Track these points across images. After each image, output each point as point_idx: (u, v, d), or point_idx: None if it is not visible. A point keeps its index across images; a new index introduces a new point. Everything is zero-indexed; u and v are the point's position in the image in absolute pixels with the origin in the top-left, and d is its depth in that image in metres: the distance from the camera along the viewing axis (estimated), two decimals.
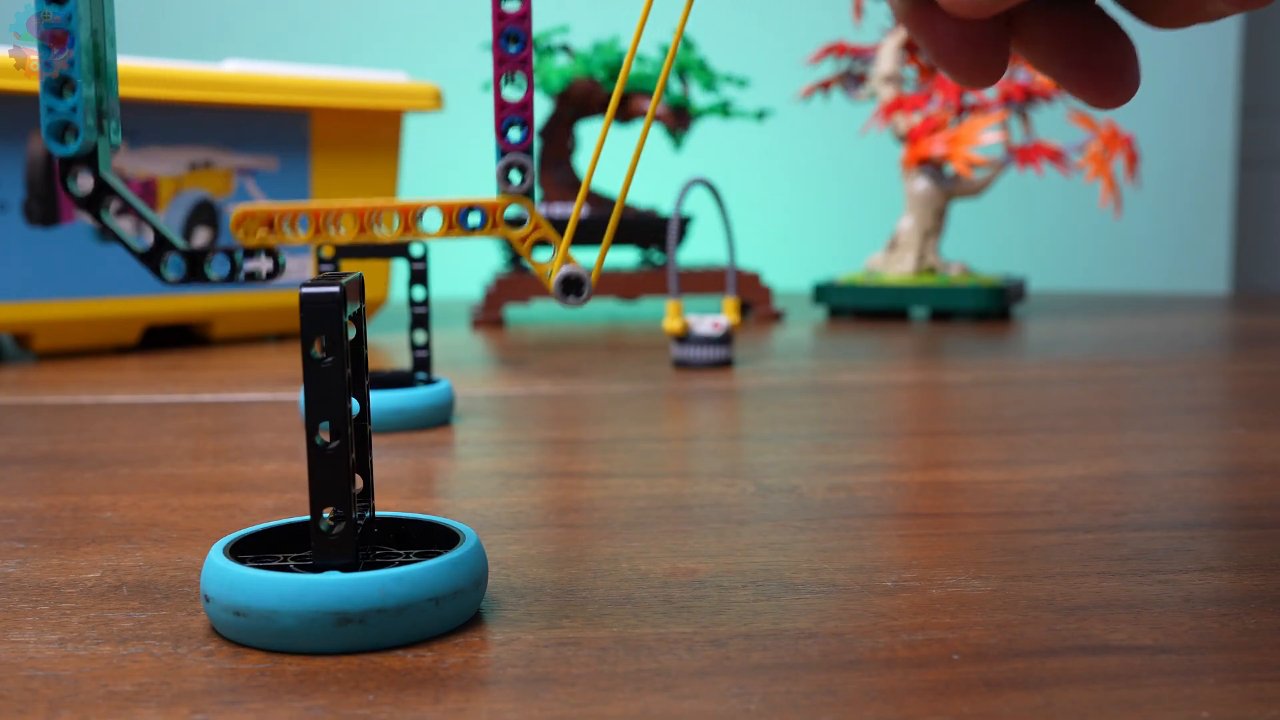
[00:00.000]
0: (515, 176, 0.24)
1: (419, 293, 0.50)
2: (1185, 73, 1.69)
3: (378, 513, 0.27)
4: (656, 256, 1.00)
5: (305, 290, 0.23)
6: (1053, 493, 0.36)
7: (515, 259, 0.99)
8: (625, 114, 0.99)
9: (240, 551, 0.26)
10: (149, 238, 0.25)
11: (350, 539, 0.24)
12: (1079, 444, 0.44)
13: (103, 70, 0.24)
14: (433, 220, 0.25)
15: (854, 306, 0.97)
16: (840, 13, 1.58)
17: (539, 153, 0.98)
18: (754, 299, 0.98)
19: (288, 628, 0.23)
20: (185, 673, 0.22)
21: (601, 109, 0.98)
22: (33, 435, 0.48)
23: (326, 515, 0.24)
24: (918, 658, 0.23)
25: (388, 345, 0.80)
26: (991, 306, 0.92)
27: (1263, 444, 0.43)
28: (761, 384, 0.60)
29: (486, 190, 1.55)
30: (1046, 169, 1.73)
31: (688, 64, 0.98)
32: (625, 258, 1.52)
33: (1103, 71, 0.24)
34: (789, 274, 1.63)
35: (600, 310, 1.09)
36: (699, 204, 1.63)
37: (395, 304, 1.25)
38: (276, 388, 0.61)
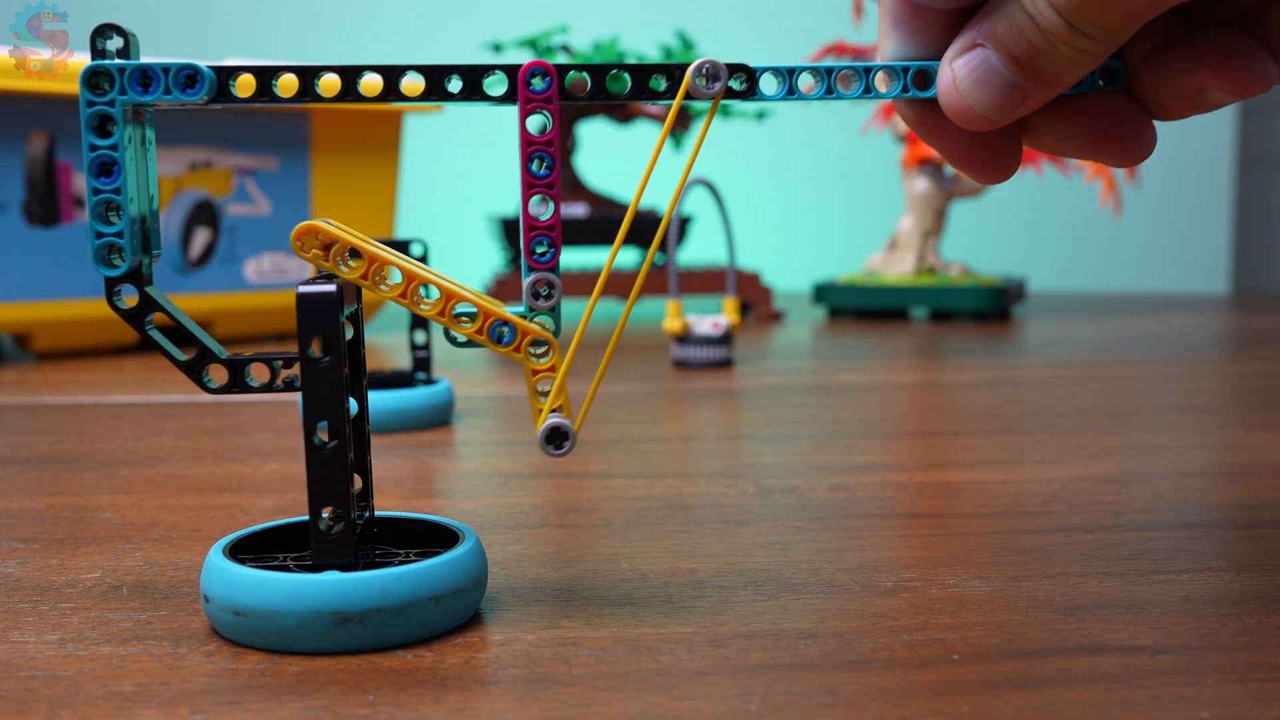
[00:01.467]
0: (544, 292, 0.25)
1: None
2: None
3: (377, 513, 0.28)
4: (656, 257, 1.00)
5: (302, 290, 0.23)
6: (1053, 493, 0.36)
7: (515, 259, 0.99)
8: (625, 114, 0.99)
9: (240, 551, 0.26)
10: (190, 348, 0.26)
11: (349, 539, 0.24)
12: (1079, 444, 0.44)
13: (142, 188, 0.25)
14: (468, 312, 0.26)
15: (854, 306, 0.97)
16: (840, 13, 1.58)
17: None
18: (754, 299, 0.98)
19: (287, 628, 0.23)
20: (185, 673, 0.22)
21: (602, 109, 0.98)
22: (33, 435, 0.48)
23: (325, 515, 0.24)
24: (918, 658, 0.23)
25: (388, 345, 0.80)
26: (991, 306, 0.92)
27: (1263, 444, 0.43)
28: (761, 384, 0.60)
29: (486, 189, 1.55)
30: (1046, 169, 1.73)
31: (688, 64, 0.98)
32: (625, 258, 1.52)
33: (1118, 135, 0.24)
34: (789, 274, 1.63)
35: (600, 310, 1.09)
36: (699, 204, 1.63)
37: (395, 304, 1.25)
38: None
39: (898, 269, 0.98)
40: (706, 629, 0.24)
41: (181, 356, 0.25)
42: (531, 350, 0.25)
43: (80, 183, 0.74)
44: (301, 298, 0.23)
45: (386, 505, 0.36)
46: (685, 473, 0.40)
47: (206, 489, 0.38)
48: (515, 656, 0.23)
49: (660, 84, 0.24)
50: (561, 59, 0.99)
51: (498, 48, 1.01)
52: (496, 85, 0.24)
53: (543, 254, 0.24)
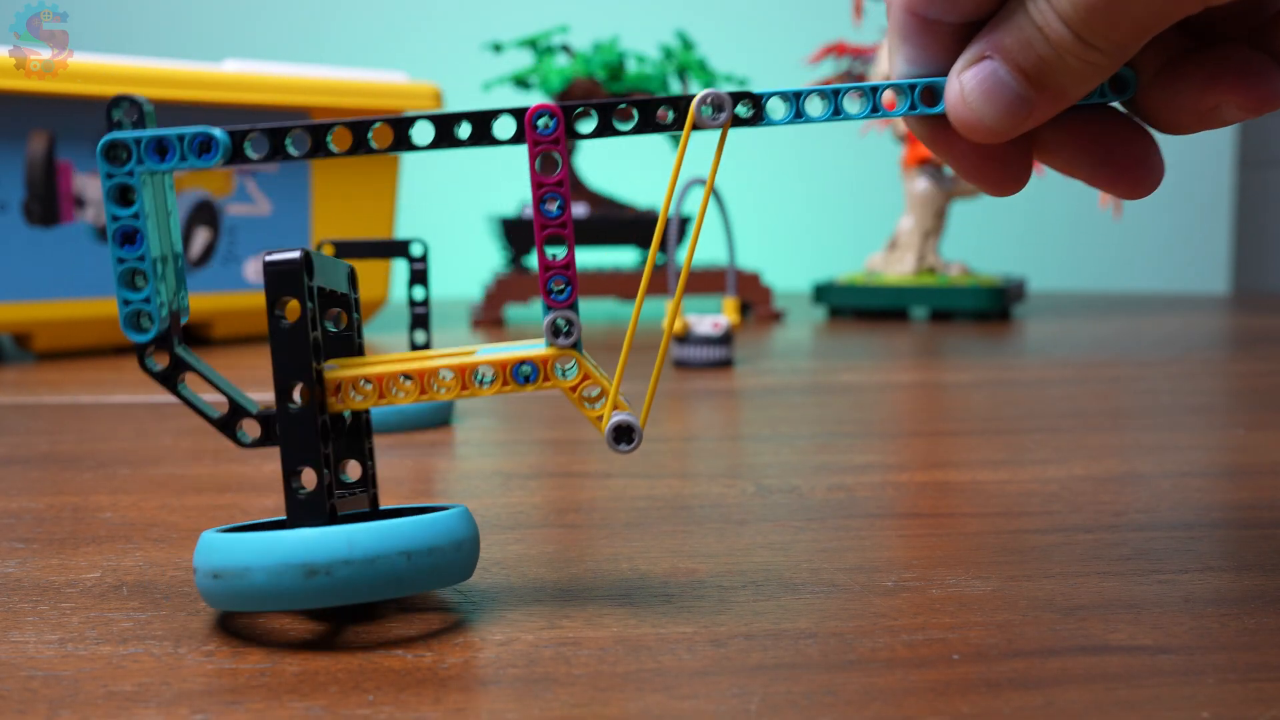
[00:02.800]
0: (563, 327, 0.25)
1: (419, 293, 0.50)
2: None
3: (380, 507, 0.28)
4: (657, 257, 1.01)
5: (269, 258, 0.24)
6: (1053, 493, 0.36)
7: (515, 259, 0.99)
8: (625, 114, 0.99)
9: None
10: (223, 404, 0.26)
11: (321, 499, 0.24)
12: (1079, 444, 0.44)
13: (168, 243, 0.25)
14: (488, 375, 0.27)
15: (854, 306, 0.97)
16: (840, 13, 1.58)
17: None
18: (754, 299, 0.98)
19: (259, 584, 0.23)
20: (185, 673, 0.22)
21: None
22: (33, 435, 0.48)
23: (298, 476, 0.24)
24: (918, 658, 0.23)
25: (388, 345, 0.80)
26: (991, 306, 0.92)
27: (1263, 444, 0.43)
28: (761, 384, 0.60)
29: (486, 189, 1.55)
30: (1047, 169, 1.73)
31: (688, 64, 0.98)
32: (625, 258, 1.52)
33: (1127, 167, 0.24)
34: (789, 274, 1.63)
35: (600, 310, 1.09)
36: (699, 203, 1.63)
37: (395, 304, 1.25)
38: None
39: (898, 269, 0.98)
40: (706, 629, 0.24)
41: (214, 414, 0.26)
42: (561, 376, 0.25)
43: (80, 182, 0.74)
44: (268, 264, 0.24)
45: (387, 505, 0.36)
46: (685, 473, 0.40)
47: (206, 489, 0.38)
48: (515, 656, 0.23)
49: (668, 118, 0.25)
50: (561, 59, 0.99)
51: (498, 48, 1.01)
52: (504, 129, 0.24)
53: (560, 292, 0.25)
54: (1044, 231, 1.72)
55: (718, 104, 0.24)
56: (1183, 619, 0.25)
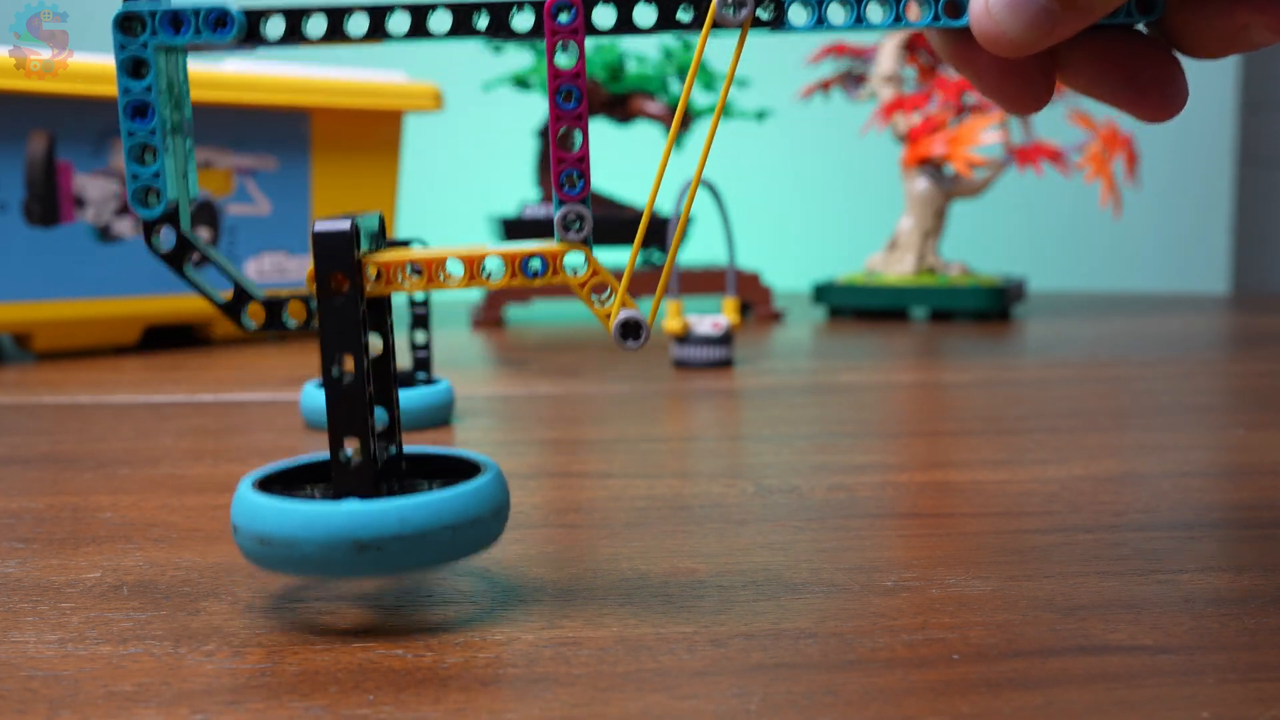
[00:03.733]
0: (574, 226, 0.25)
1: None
2: (1185, 69, 1.69)
3: (405, 448, 0.28)
4: (656, 256, 1.00)
5: (318, 228, 0.24)
6: (1053, 493, 0.36)
7: None
8: (625, 114, 0.99)
9: (270, 485, 0.26)
10: (228, 288, 0.26)
11: (369, 469, 0.24)
12: (1079, 444, 0.44)
13: (179, 128, 0.25)
14: (496, 266, 0.26)
15: (854, 306, 0.97)
16: None
17: (538, 153, 0.98)
18: (754, 299, 0.98)
19: (309, 555, 0.23)
20: (185, 673, 0.22)
21: (602, 108, 0.98)
22: (33, 435, 0.48)
23: (345, 446, 0.24)
24: (918, 658, 0.23)
25: None
26: (991, 306, 0.92)
27: (1263, 444, 0.43)
28: (761, 384, 0.60)
29: (486, 190, 1.55)
30: (1046, 169, 1.73)
31: (687, 64, 0.98)
32: (625, 258, 1.52)
33: (1150, 89, 0.24)
34: (789, 274, 1.63)
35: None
36: (699, 204, 1.63)
37: (396, 304, 1.25)
38: (276, 388, 0.61)
39: (898, 269, 0.98)
40: (706, 629, 0.24)
41: (220, 299, 0.26)
42: (570, 271, 0.25)
43: (80, 182, 0.74)
44: (318, 235, 0.24)
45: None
46: (685, 473, 0.40)
47: (206, 489, 0.38)
48: (515, 656, 0.23)
49: (687, 15, 0.25)
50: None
51: (498, 48, 1.01)
52: (523, 21, 0.24)
53: (573, 186, 0.25)
54: (1044, 231, 1.72)
55: (739, 0, 0.24)
56: (1183, 619, 0.25)
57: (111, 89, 0.72)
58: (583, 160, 0.25)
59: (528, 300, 0.95)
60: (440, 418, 0.50)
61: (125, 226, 0.76)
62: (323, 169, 0.85)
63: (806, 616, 0.25)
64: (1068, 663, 0.22)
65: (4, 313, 0.71)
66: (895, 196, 1.62)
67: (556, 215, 0.25)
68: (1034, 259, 1.72)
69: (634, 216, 0.97)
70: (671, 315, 0.66)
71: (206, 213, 0.80)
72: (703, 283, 0.96)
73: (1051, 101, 0.95)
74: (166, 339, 0.83)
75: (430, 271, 0.25)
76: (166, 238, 0.25)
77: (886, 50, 0.99)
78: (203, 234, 0.80)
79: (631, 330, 0.25)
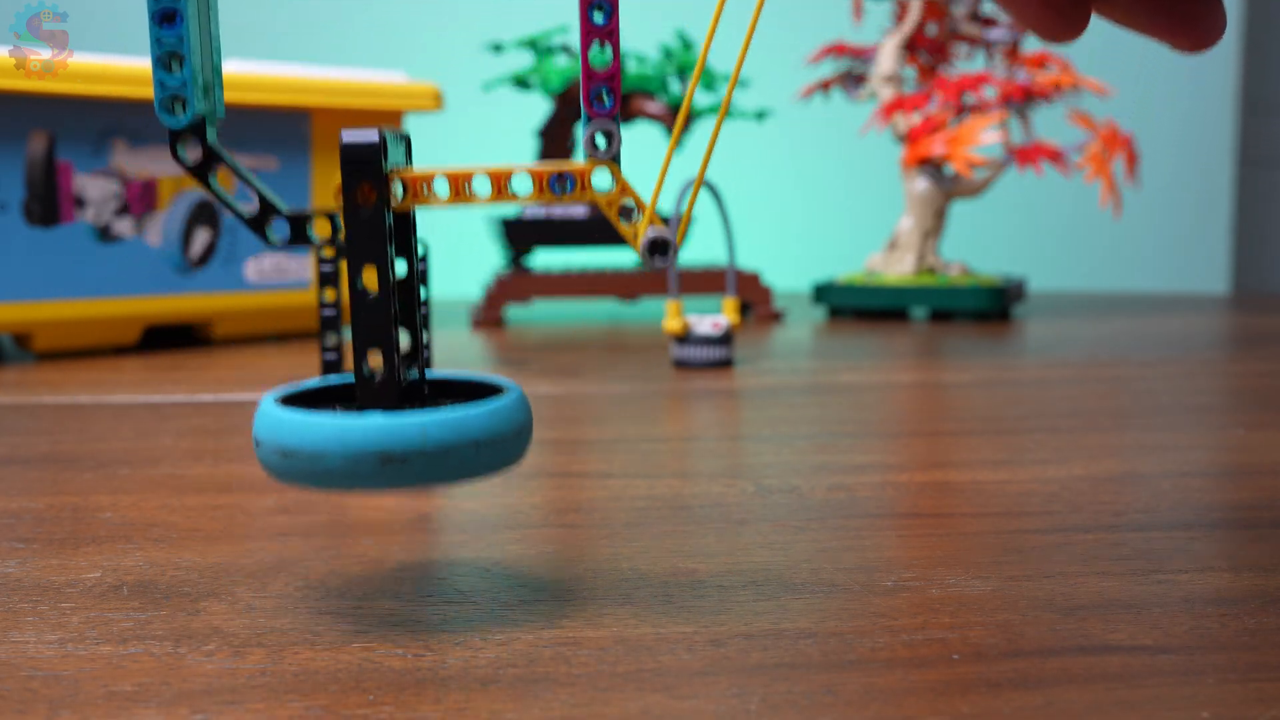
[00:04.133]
0: (602, 141, 0.25)
1: (419, 292, 0.50)
2: (1185, 69, 1.69)
3: (429, 373, 0.28)
4: None
5: (346, 140, 0.24)
6: (1053, 493, 0.36)
7: (515, 259, 0.99)
8: (625, 114, 0.99)
9: (291, 403, 0.26)
10: (254, 202, 0.26)
11: (393, 383, 0.25)
12: (1079, 444, 0.44)
13: (206, 44, 0.25)
14: (523, 184, 0.26)
15: (854, 306, 0.97)
16: (840, 13, 1.58)
17: (538, 153, 0.98)
18: (754, 299, 0.98)
19: (333, 468, 0.23)
20: (185, 673, 0.22)
21: None
22: (33, 435, 0.48)
23: (369, 361, 0.25)
24: (918, 658, 0.23)
25: None
26: (991, 306, 0.92)
27: (1263, 444, 0.43)
28: (761, 384, 0.60)
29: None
30: (1046, 169, 1.73)
31: (687, 64, 0.98)
32: (625, 258, 1.52)
33: (1187, 18, 0.24)
34: (789, 274, 1.63)
35: (600, 310, 1.09)
36: (699, 204, 1.63)
37: None
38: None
39: (898, 269, 0.98)
40: (706, 629, 0.24)
41: (245, 212, 0.26)
42: (598, 190, 0.25)
43: (80, 182, 0.74)
44: (345, 146, 0.24)
45: (386, 503, 0.36)
46: (685, 473, 0.40)
47: (206, 489, 0.38)
48: (515, 656, 0.23)
49: None
50: (561, 59, 0.99)
51: (498, 48, 1.01)
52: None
53: (603, 103, 0.25)
54: (1044, 231, 1.72)
55: None
56: (1182, 619, 0.25)
57: (112, 89, 0.72)
58: (613, 78, 0.24)
59: (528, 300, 0.95)
60: None
61: (125, 226, 0.76)
62: (323, 169, 0.85)
63: (806, 616, 0.25)
64: (1068, 663, 0.22)
65: (4, 313, 0.71)
66: (895, 196, 1.62)
67: (585, 134, 0.25)
68: (1034, 259, 1.72)
69: None
70: (671, 315, 0.66)
71: (207, 213, 0.80)
72: (703, 283, 0.96)
73: (1056, 98, 0.95)
74: (166, 339, 0.83)
75: (457, 186, 0.25)
76: (193, 151, 0.25)
77: (886, 50, 0.99)
78: (203, 234, 0.80)
79: (660, 248, 0.25)
